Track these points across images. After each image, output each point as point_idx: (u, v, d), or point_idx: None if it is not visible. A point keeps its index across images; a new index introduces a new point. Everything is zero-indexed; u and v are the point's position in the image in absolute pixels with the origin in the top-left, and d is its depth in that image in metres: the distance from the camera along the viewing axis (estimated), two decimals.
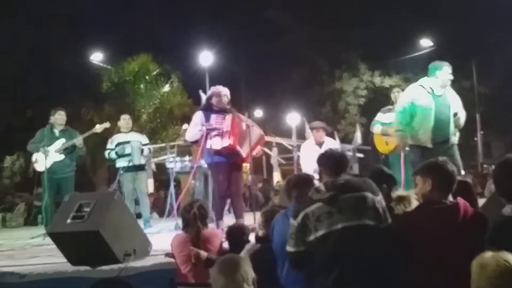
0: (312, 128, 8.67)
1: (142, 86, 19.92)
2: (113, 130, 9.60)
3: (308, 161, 8.25)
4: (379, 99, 18.70)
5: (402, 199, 4.02)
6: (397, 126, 7.02)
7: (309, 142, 8.75)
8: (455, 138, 6.85)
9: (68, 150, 8.66)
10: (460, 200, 3.53)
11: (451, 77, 6.84)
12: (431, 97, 6.74)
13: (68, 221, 5.30)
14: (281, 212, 4.17)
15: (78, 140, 8.64)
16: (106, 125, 9.13)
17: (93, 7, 21.93)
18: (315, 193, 3.53)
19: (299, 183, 4.17)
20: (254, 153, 7.21)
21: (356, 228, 3.32)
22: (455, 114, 6.76)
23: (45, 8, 20.16)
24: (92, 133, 9.01)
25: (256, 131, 7.26)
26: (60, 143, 8.61)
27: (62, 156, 8.58)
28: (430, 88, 6.77)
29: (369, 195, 3.36)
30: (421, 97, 6.79)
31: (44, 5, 20.11)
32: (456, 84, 7.18)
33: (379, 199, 3.37)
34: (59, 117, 8.75)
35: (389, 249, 3.30)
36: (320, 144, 8.36)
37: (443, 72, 6.81)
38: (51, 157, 8.49)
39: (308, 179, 4.28)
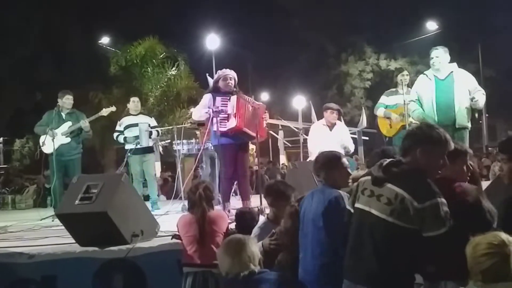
0: (327, 108, 8.51)
1: (149, 69, 19.90)
2: (122, 112, 9.65)
3: (315, 142, 8.26)
4: (385, 82, 18.63)
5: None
6: (411, 108, 7.32)
7: (320, 122, 8.68)
8: (463, 120, 6.87)
9: (75, 133, 8.73)
10: None
11: (433, 60, 7.02)
12: (432, 82, 6.98)
13: (76, 202, 5.37)
14: (309, 194, 4.19)
15: (84, 123, 8.70)
16: (112, 109, 9.19)
17: None
18: (376, 167, 3.39)
19: (327, 163, 4.15)
20: (264, 125, 7.28)
21: (382, 221, 3.22)
22: (472, 99, 6.82)
23: None
24: (98, 116, 9.07)
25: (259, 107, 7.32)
26: (66, 126, 8.68)
27: (68, 139, 8.66)
28: (432, 74, 7.04)
29: (408, 197, 3.16)
30: (422, 86, 7.12)
31: None
32: (461, 67, 7.24)
33: (420, 207, 3.13)
34: (67, 101, 8.81)
35: (413, 250, 3.25)
36: (331, 126, 8.33)
37: (430, 58, 7.10)
38: (58, 139, 8.55)
39: (335, 158, 4.19)
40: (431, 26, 25.60)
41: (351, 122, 21.44)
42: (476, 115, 6.95)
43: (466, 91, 6.90)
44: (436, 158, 3.33)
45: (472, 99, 6.82)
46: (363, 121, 12.17)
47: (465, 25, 23.82)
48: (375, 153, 4.43)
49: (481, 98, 6.87)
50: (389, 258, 3.22)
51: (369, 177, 3.40)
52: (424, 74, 7.21)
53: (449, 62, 7.13)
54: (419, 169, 3.28)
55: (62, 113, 8.76)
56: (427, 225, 3.15)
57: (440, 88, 6.93)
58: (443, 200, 3.17)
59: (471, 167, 3.76)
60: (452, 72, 6.99)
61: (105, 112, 9.07)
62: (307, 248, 3.98)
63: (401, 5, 24.25)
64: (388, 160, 3.39)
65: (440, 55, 7.01)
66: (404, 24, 24.94)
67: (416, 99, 7.16)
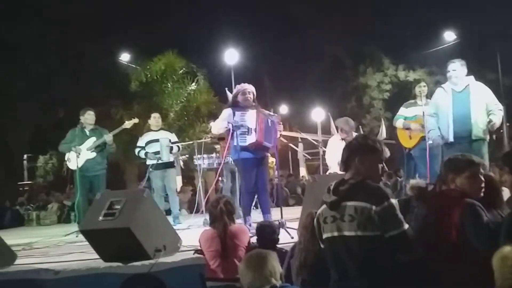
0: (336, 128, 8.75)
1: (169, 85, 20.04)
2: (143, 128, 9.77)
3: (333, 156, 8.31)
4: (404, 93, 18.57)
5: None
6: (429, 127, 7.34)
7: (336, 137, 8.78)
8: (479, 132, 6.89)
9: (99, 148, 8.88)
10: None
11: (450, 73, 7.09)
12: (449, 95, 7.05)
13: (100, 218, 5.45)
14: None
15: (108, 137, 8.84)
16: (135, 120, 9.37)
17: (119, 7, 22.22)
18: (325, 193, 3.54)
19: None
20: (277, 136, 7.33)
21: (354, 238, 3.34)
22: (489, 122, 6.86)
23: (72, 8, 20.42)
24: (121, 129, 9.20)
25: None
26: (91, 141, 8.83)
27: (93, 154, 8.80)
28: (449, 86, 7.10)
29: (366, 205, 3.30)
30: (440, 98, 7.19)
31: (71, 5, 20.39)
32: (480, 77, 7.30)
33: (379, 209, 3.28)
34: (88, 117, 8.97)
35: (392, 255, 3.32)
36: (346, 139, 8.37)
37: (447, 71, 7.17)
38: (83, 155, 8.70)
39: None
40: (449, 36, 25.45)
41: (371, 134, 21.35)
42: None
43: (483, 104, 6.95)
44: (374, 164, 3.51)
45: (489, 122, 6.85)
46: (383, 132, 12.15)
47: (483, 34, 23.68)
48: None
49: (497, 118, 6.90)
50: (376, 271, 3.30)
51: (324, 206, 3.51)
52: (441, 87, 7.30)
53: (467, 75, 7.16)
54: (363, 179, 3.42)
55: (85, 130, 8.92)
56: (388, 225, 3.29)
57: (457, 100, 7.00)
58: (396, 201, 3.35)
59: (483, 178, 3.73)
60: (468, 84, 7.06)
61: (128, 124, 9.23)
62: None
63: (419, 16, 24.22)
64: (332, 183, 3.52)
65: (457, 68, 7.08)
66: (422, 35, 24.87)
67: (434, 113, 7.22)
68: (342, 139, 8.34)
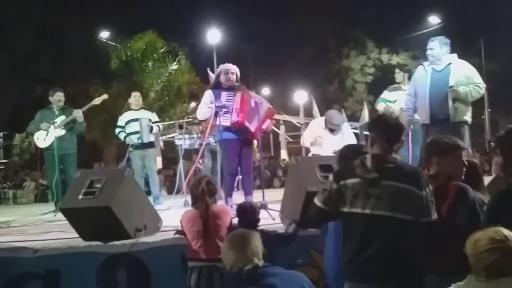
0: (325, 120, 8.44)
1: (150, 64, 19.89)
2: (123, 107, 9.66)
3: (309, 138, 8.22)
4: (387, 77, 18.64)
5: None
6: (404, 107, 7.15)
7: (320, 123, 8.48)
8: (458, 114, 6.51)
9: (69, 126, 8.76)
10: None
11: (428, 52, 6.72)
12: (428, 74, 6.68)
13: (80, 197, 5.38)
14: None
15: (77, 113, 8.73)
16: (104, 96, 9.31)
17: None
18: (360, 166, 3.38)
19: (352, 154, 3.90)
20: (264, 126, 7.16)
21: (389, 219, 3.26)
22: (451, 87, 6.48)
23: None
24: (91, 105, 9.08)
25: (265, 106, 7.23)
26: (60, 120, 8.71)
27: (63, 132, 8.67)
28: (429, 65, 6.73)
29: (411, 188, 3.26)
30: (418, 77, 6.86)
31: None
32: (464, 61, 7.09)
33: (424, 194, 3.25)
34: (57, 98, 8.84)
35: (423, 243, 3.29)
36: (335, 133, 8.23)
37: (426, 49, 6.82)
38: (53, 133, 8.59)
39: (360, 151, 3.93)
40: (433, 20, 25.52)
41: (353, 117, 21.46)
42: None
43: (463, 83, 6.50)
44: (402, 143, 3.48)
45: (450, 87, 6.45)
46: (365, 116, 12.23)
47: (467, 19, 23.75)
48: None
49: (466, 90, 6.47)
50: (399, 254, 3.26)
51: (357, 180, 3.35)
52: (422, 65, 6.92)
53: (451, 53, 6.77)
54: (401, 160, 3.40)
55: (54, 109, 8.77)
56: (425, 211, 3.27)
57: (435, 80, 6.60)
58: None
59: (466, 163, 3.72)
60: (450, 63, 6.63)
61: (97, 100, 9.13)
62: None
63: None
64: (369, 158, 3.39)
65: (435, 47, 6.68)
66: (406, 18, 24.90)
67: (412, 92, 6.89)
68: (331, 130, 8.12)
